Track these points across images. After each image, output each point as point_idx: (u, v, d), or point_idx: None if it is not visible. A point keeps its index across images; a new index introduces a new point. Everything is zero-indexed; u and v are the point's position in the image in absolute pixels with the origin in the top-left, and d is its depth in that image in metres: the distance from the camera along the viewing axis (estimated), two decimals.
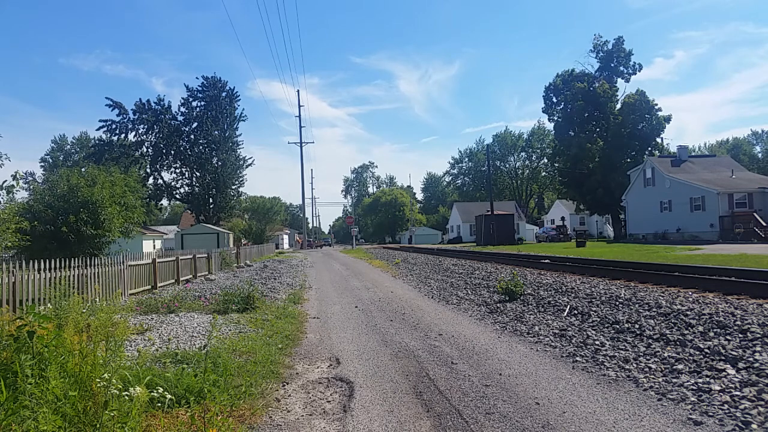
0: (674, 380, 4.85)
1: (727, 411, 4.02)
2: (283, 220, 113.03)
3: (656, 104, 48.46)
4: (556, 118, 56.31)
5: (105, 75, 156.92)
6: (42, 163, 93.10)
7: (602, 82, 51.74)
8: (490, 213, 49.21)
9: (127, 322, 6.03)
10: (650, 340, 6.32)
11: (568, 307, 8.99)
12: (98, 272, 10.90)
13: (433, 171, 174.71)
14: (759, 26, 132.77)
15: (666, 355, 5.65)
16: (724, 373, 4.87)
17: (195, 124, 50.89)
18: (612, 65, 52.91)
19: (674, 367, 5.22)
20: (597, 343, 6.45)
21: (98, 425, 3.26)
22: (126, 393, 3.41)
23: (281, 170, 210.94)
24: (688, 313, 7.30)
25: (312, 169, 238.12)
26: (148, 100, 48.99)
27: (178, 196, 52.92)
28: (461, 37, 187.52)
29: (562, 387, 4.87)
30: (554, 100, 56.01)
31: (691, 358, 5.45)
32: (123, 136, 48.72)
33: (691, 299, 8.43)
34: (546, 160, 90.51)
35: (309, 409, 4.57)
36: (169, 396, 4.04)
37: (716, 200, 34.11)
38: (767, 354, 5.18)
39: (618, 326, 7.18)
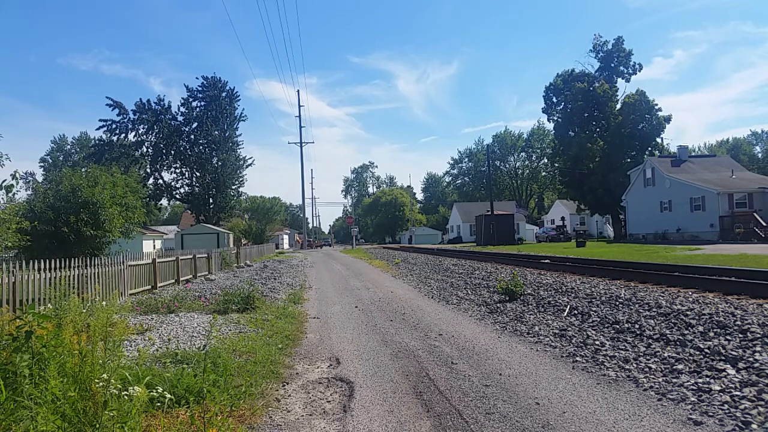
0: (674, 380, 4.85)
1: (727, 411, 4.02)
2: (283, 220, 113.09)
3: (656, 104, 48.41)
4: (556, 118, 56.32)
5: (103, 75, 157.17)
6: (42, 164, 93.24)
7: (602, 82, 51.71)
8: (490, 213, 49.20)
9: (126, 322, 6.04)
10: (650, 340, 6.32)
11: (568, 307, 8.99)
12: (98, 272, 10.90)
13: (433, 171, 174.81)
14: (758, 26, 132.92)
15: (666, 355, 5.65)
16: (724, 373, 4.87)
17: (195, 124, 50.94)
18: (612, 65, 52.90)
19: (674, 367, 5.21)
20: (597, 343, 6.45)
21: (98, 425, 3.26)
22: (125, 393, 3.41)
23: (281, 170, 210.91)
24: (688, 313, 7.29)
25: (312, 169, 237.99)
26: (148, 100, 49.10)
27: (178, 196, 52.96)
28: (460, 37, 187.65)
29: (562, 387, 4.87)
30: (554, 100, 56.01)
31: (691, 358, 5.45)
32: (123, 136, 48.80)
33: (691, 299, 8.42)
34: (546, 160, 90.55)
35: (309, 409, 4.57)
36: (168, 396, 4.03)
37: (716, 200, 34.10)
38: (767, 354, 5.18)
39: (618, 326, 7.18)
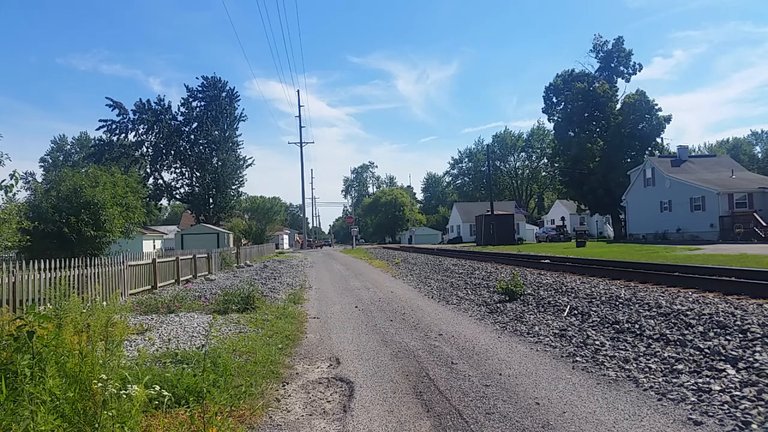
0: (674, 380, 4.84)
1: (727, 411, 4.02)
2: (283, 220, 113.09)
3: (656, 104, 48.40)
4: (556, 118, 56.32)
5: (102, 75, 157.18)
6: (42, 163, 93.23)
7: (602, 82, 51.72)
8: (490, 213, 49.20)
9: (126, 322, 6.04)
10: (650, 340, 6.32)
11: (568, 307, 8.99)
12: (98, 272, 10.90)
13: (432, 171, 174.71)
14: (758, 26, 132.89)
15: (666, 355, 5.65)
16: (724, 373, 4.87)
17: (195, 124, 50.89)
18: (612, 65, 52.90)
19: (674, 367, 5.21)
20: (597, 343, 6.45)
21: (97, 425, 3.26)
22: (125, 393, 3.41)
23: (281, 170, 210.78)
24: (688, 313, 7.29)
25: (312, 169, 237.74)
26: (148, 100, 49.06)
27: (178, 196, 52.93)
28: (459, 37, 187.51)
29: (562, 387, 4.87)
30: (554, 100, 56.01)
31: (691, 358, 5.45)
32: (123, 136, 48.74)
33: (691, 299, 8.42)
34: (546, 160, 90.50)
35: (309, 409, 4.57)
36: (168, 395, 4.03)
37: (716, 200, 34.09)
38: (767, 354, 5.18)
39: (618, 326, 7.18)
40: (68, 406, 3.40)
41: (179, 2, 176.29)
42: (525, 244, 49.10)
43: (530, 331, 7.47)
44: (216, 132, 50.84)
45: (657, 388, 4.69)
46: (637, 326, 6.98)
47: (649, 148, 49.99)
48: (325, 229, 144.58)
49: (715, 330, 6.33)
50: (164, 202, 57.94)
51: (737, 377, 4.71)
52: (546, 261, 19.01)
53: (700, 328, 6.47)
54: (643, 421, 3.95)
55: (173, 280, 16.04)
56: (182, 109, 51.22)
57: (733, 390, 4.43)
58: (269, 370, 5.68)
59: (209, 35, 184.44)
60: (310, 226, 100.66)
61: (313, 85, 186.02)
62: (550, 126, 67.40)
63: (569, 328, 7.42)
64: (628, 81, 53.38)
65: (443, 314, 9.51)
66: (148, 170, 49.89)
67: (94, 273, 10.75)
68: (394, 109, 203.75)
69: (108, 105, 47.89)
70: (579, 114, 52.04)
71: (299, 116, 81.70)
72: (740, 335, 5.96)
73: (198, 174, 50.91)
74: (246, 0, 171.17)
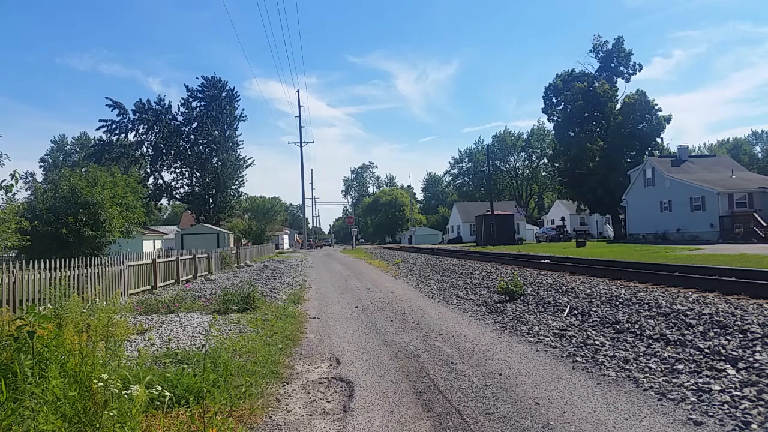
0: (674, 380, 4.85)
1: (727, 411, 4.02)
2: (283, 220, 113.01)
3: (656, 104, 48.46)
4: (556, 119, 56.37)
5: (101, 74, 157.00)
6: (42, 163, 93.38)
7: (602, 82, 51.76)
8: (490, 213, 49.22)
9: (127, 322, 6.05)
10: (650, 340, 6.32)
11: (568, 307, 8.99)
12: (98, 272, 10.90)
13: (432, 171, 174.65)
14: (757, 25, 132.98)
15: (666, 355, 5.65)
16: (724, 373, 4.87)
17: (195, 124, 50.99)
18: (612, 65, 52.96)
19: (674, 367, 5.21)
20: (597, 343, 6.45)
21: (98, 425, 3.26)
22: (126, 393, 3.41)
23: (281, 170, 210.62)
24: (688, 313, 7.29)
25: (312, 169, 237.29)
26: (148, 100, 49.17)
27: (178, 196, 52.98)
28: (458, 36, 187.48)
29: (562, 387, 4.87)
30: (554, 100, 56.06)
31: (691, 358, 5.45)
32: (123, 136, 48.82)
33: (691, 299, 8.42)
34: (546, 160, 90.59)
35: (309, 409, 4.57)
36: (168, 395, 4.04)
37: (716, 200, 34.10)
38: (767, 354, 5.18)
39: (618, 326, 7.18)
40: (69, 406, 3.40)
41: (179, 2, 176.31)
42: (525, 244, 49.12)
43: (530, 331, 7.47)
44: (216, 132, 50.90)
45: (657, 388, 4.69)
46: (637, 326, 6.98)
47: (649, 148, 50.02)
48: (325, 229, 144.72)
49: (715, 330, 6.34)
50: (164, 202, 58.01)
51: (737, 377, 4.72)
52: (546, 261, 19.01)
53: (700, 328, 6.48)
54: (643, 421, 3.95)
55: (173, 280, 16.04)
56: (182, 109, 51.39)
57: (733, 390, 4.43)
58: (269, 370, 5.68)
59: (209, 35, 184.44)
60: (310, 226, 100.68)
61: (313, 85, 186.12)
62: (550, 126, 67.55)
63: (569, 328, 7.42)
64: (628, 81, 53.51)
65: (443, 314, 9.51)
66: (148, 170, 49.95)
67: (94, 273, 10.75)
68: (394, 109, 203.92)
69: (108, 105, 48.03)
70: (579, 114, 52.07)
71: (299, 116, 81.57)
72: (740, 335, 5.96)
73: (198, 174, 50.97)
74: (246, 0, 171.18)
